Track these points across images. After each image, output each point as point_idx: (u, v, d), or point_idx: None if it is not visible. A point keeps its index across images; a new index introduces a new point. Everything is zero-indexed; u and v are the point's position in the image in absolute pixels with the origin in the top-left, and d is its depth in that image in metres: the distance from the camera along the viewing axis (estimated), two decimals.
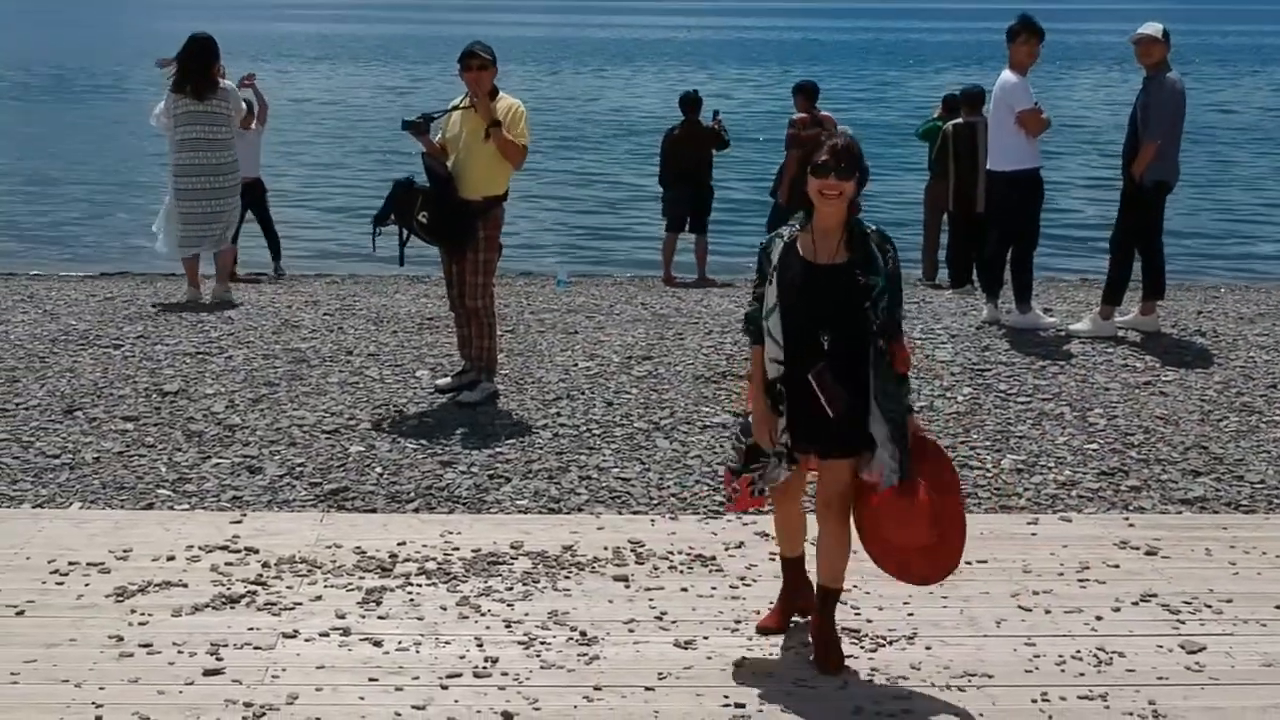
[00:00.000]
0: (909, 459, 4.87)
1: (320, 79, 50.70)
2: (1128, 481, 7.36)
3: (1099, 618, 5.56)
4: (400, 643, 5.25)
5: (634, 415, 8.28)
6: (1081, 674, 5.09)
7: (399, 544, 6.21)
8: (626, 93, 46.57)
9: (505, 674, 5.01)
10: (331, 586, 5.75)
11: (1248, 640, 5.41)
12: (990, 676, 5.05)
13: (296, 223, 19.27)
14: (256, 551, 6.09)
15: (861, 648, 5.28)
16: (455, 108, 8.54)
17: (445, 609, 5.56)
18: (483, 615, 5.51)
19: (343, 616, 5.46)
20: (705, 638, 5.34)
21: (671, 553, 6.16)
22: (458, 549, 6.17)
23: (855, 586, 5.76)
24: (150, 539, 6.22)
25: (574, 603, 5.64)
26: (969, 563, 6.08)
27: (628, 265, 16.64)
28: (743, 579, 5.90)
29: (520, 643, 5.26)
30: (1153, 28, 10.18)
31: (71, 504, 6.79)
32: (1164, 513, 6.95)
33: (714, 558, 6.11)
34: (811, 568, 5.31)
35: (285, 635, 5.29)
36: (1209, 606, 5.70)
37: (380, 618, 5.48)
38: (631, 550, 6.18)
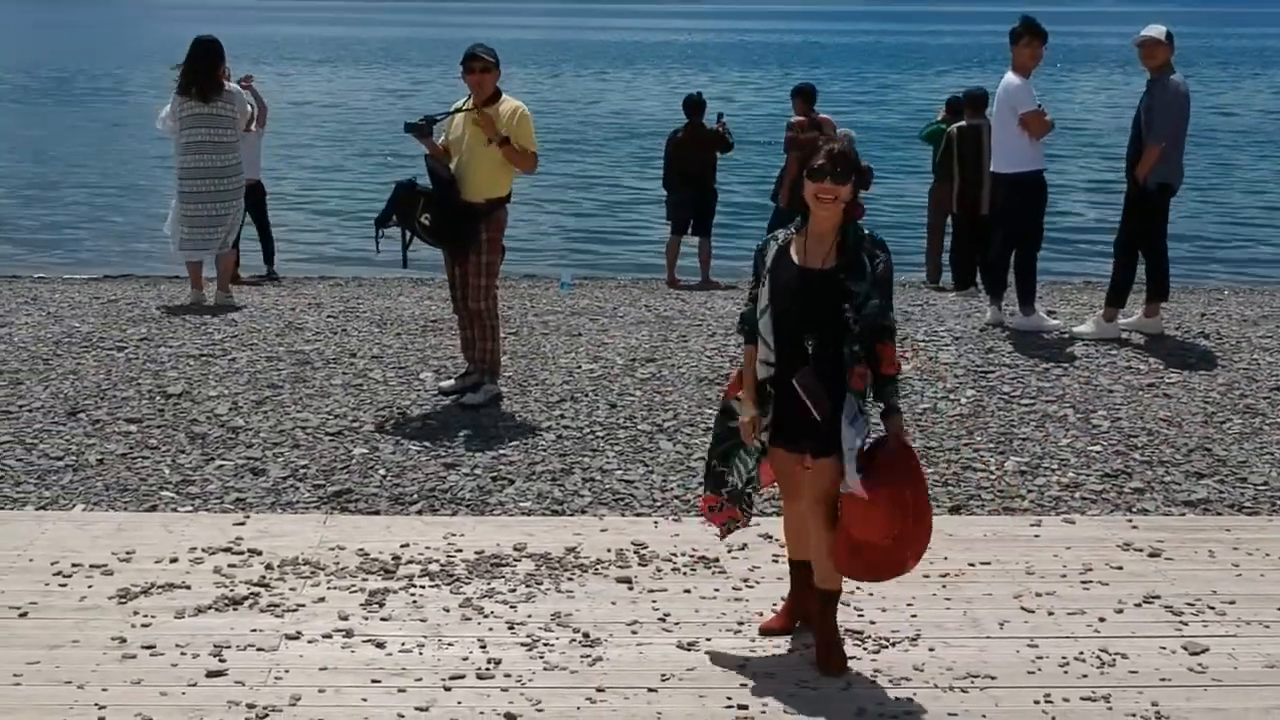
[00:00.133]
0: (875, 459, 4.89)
1: (321, 81, 50.76)
2: (1131, 483, 7.36)
3: (1102, 619, 5.56)
4: (403, 644, 5.25)
5: (637, 417, 8.28)
6: (1084, 675, 5.08)
7: (402, 546, 6.21)
8: (627, 95, 46.61)
9: (508, 675, 5.01)
10: (334, 588, 5.75)
11: (1250, 642, 5.40)
12: (993, 678, 5.05)
13: (299, 226, 19.31)
14: (260, 553, 6.09)
15: (864, 649, 5.28)
16: (458, 110, 8.54)
17: (448, 611, 5.56)
18: (486, 617, 5.51)
19: (346, 618, 5.46)
20: (708, 639, 5.34)
21: (674, 554, 6.15)
22: (461, 551, 6.17)
23: (858, 588, 5.76)
24: (153, 541, 6.22)
25: (577, 604, 5.64)
26: (972, 564, 6.09)
27: (631, 268, 16.65)
28: (746, 581, 5.90)
29: (523, 644, 5.26)
30: (1156, 30, 10.18)
31: (75, 506, 6.79)
32: (1167, 514, 6.95)
33: (717, 559, 6.11)
34: None
35: (288, 637, 5.29)
36: (1212, 608, 5.69)
37: (383, 619, 5.48)
38: (635, 552, 6.18)
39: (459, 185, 8.34)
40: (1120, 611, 5.64)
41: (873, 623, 5.50)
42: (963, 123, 13.08)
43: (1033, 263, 10.80)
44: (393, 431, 8.00)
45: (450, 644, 5.26)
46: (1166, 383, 9.21)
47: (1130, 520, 6.79)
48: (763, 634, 5.38)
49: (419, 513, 6.81)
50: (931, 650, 5.27)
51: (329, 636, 5.30)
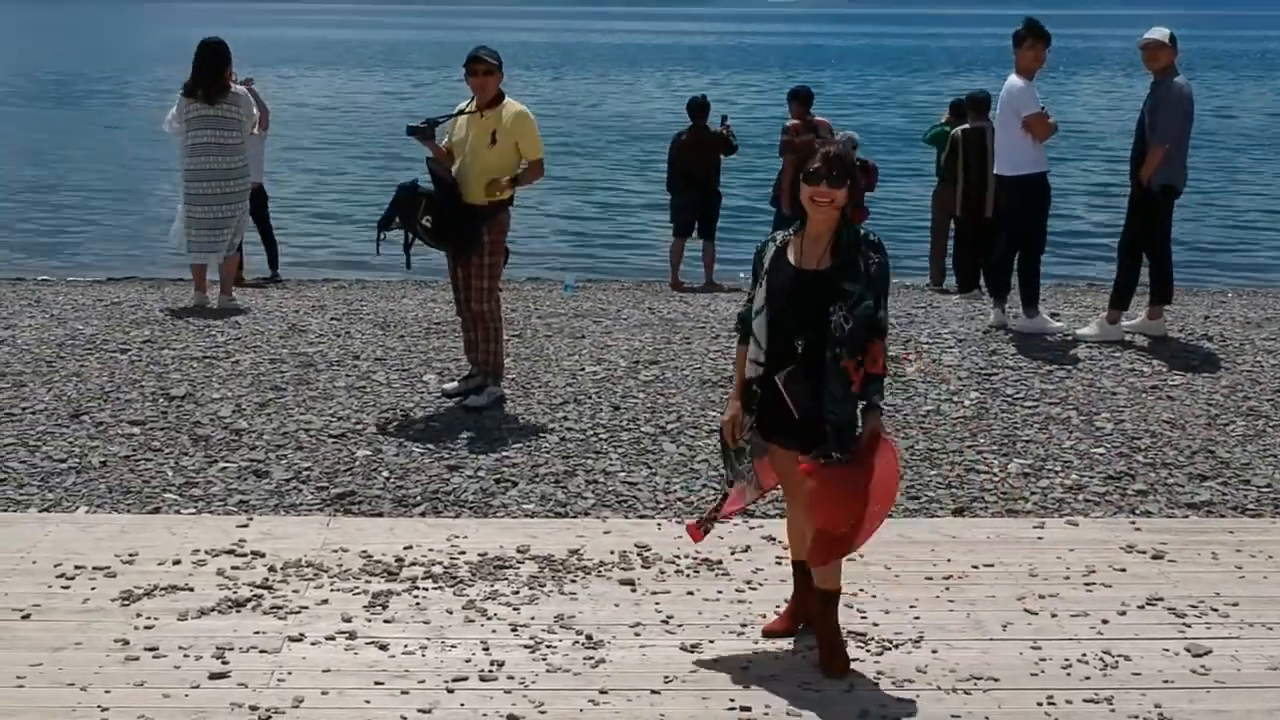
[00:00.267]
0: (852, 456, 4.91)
1: (322, 84, 50.80)
2: (1134, 485, 7.36)
3: (1105, 621, 5.56)
4: (406, 646, 5.25)
5: (641, 419, 8.28)
6: (1087, 677, 5.08)
7: (405, 548, 6.21)
8: (630, 98, 46.63)
9: (511, 677, 5.01)
10: (338, 590, 5.75)
11: (1254, 644, 5.40)
12: (996, 680, 5.05)
13: (302, 228, 19.32)
14: (263, 555, 6.09)
15: (867, 651, 5.27)
16: (460, 112, 8.55)
17: (451, 613, 5.56)
18: (489, 619, 5.51)
19: (349, 620, 5.46)
20: (711, 641, 5.34)
21: (678, 556, 6.15)
22: (464, 553, 6.17)
23: (861, 590, 5.77)
24: (156, 543, 6.22)
25: (580, 606, 5.64)
26: (975, 566, 6.09)
27: (635, 270, 16.66)
28: (749, 583, 5.90)
29: (526, 646, 5.26)
30: (1160, 33, 10.19)
31: (78, 508, 6.80)
32: (1170, 516, 6.95)
33: (720, 561, 6.11)
34: None
35: (291, 639, 5.29)
36: (1215, 610, 5.69)
37: (386, 621, 5.48)
38: (638, 554, 6.18)
39: (461, 187, 8.35)
40: (1123, 613, 5.64)
41: (876, 624, 5.50)
42: (966, 125, 13.08)
43: (1036, 265, 10.80)
44: (396, 434, 8.00)
45: (453, 646, 5.26)
46: (1170, 385, 9.20)
47: (1133, 522, 6.78)
48: (766, 636, 5.38)
49: (422, 515, 6.81)
50: (934, 652, 5.27)
51: (332, 638, 5.30)
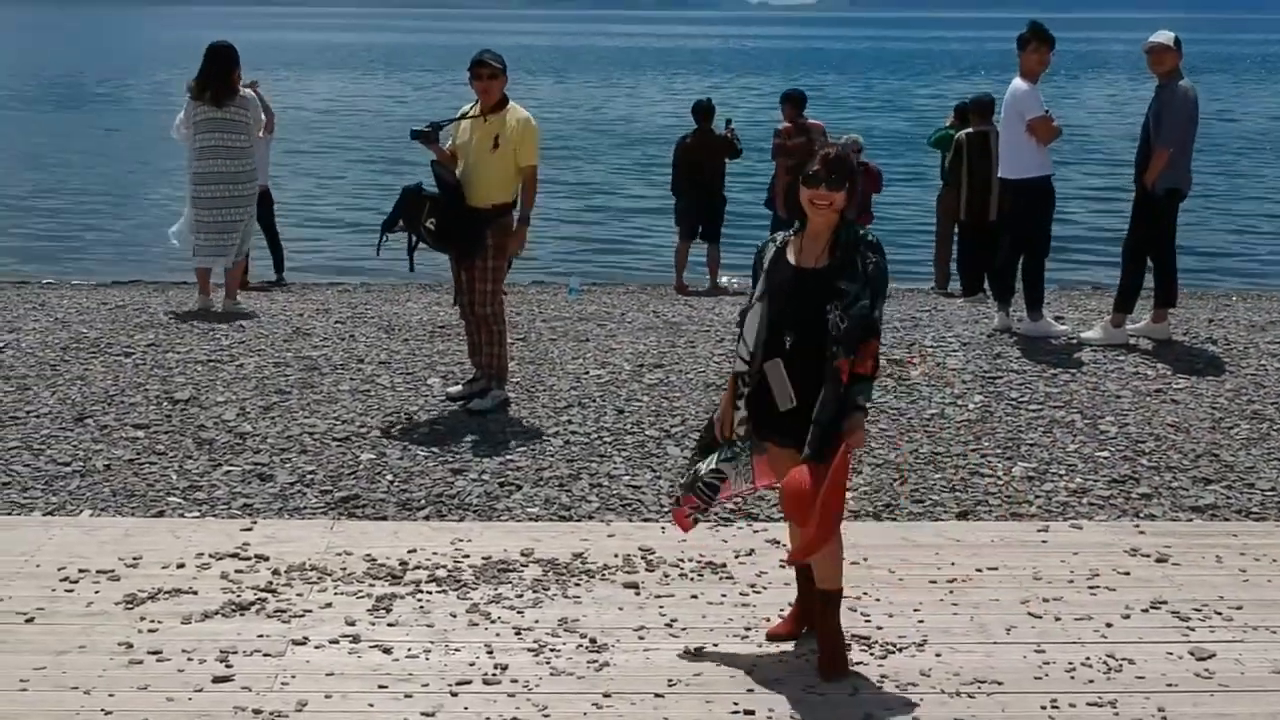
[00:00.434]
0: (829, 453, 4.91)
1: (324, 88, 50.84)
2: (1138, 489, 7.35)
3: (1109, 625, 5.55)
4: (410, 650, 5.25)
5: (645, 423, 8.28)
6: (1091, 681, 5.08)
7: (409, 551, 6.21)
8: (631, 102, 46.64)
9: (515, 681, 5.01)
10: (341, 594, 5.76)
11: (1257, 647, 5.40)
12: (1000, 683, 5.04)
13: (305, 231, 19.32)
14: (267, 559, 6.10)
15: (871, 654, 5.27)
16: (464, 115, 8.55)
17: (455, 616, 5.56)
18: (493, 622, 5.51)
19: (352, 624, 5.46)
20: (715, 644, 5.34)
21: (682, 560, 6.15)
22: (468, 556, 6.17)
23: (865, 594, 5.77)
24: (160, 546, 6.22)
25: (584, 610, 5.64)
26: (979, 570, 6.09)
27: (639, 274, 16.65)
28: (753, 586, 5.89)
29: (530, 650, 5.26)
30: (1165, 36, 10.18)
31: (82, 511, 6.80)
32: (1174, 520, 6.94)
33: (724, 565, 6.11)
34: None
35: (295, 642, 5.29)
36: (1219, 613, 5.69)
37: (390, 625, 5.48)
38: (642, 557, 6.18)
39: (465, 190, 8.35)
40: (1127, 617, 5.63)
41: (880, 628, 5.50)
42: (970, 129, 13.08)
43: (1041, 269, 10.79)
44: (400, 437, 8.00)
45: (457, 649, 5.26)
46: (1174, 388, 9.20)
47: (1137, 526, 6.78)
48: (770, 639, 5.38)
49: (426, 518, 6.81)
50: (938, 656, 5.27)
51: (336, 642, 5.30)
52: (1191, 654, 5.30)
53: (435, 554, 6.19)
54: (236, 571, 5.95)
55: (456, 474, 7.42)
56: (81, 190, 23.54)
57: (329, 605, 5.63)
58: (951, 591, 5.87)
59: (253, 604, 5.62)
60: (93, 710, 4.73)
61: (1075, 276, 15.83)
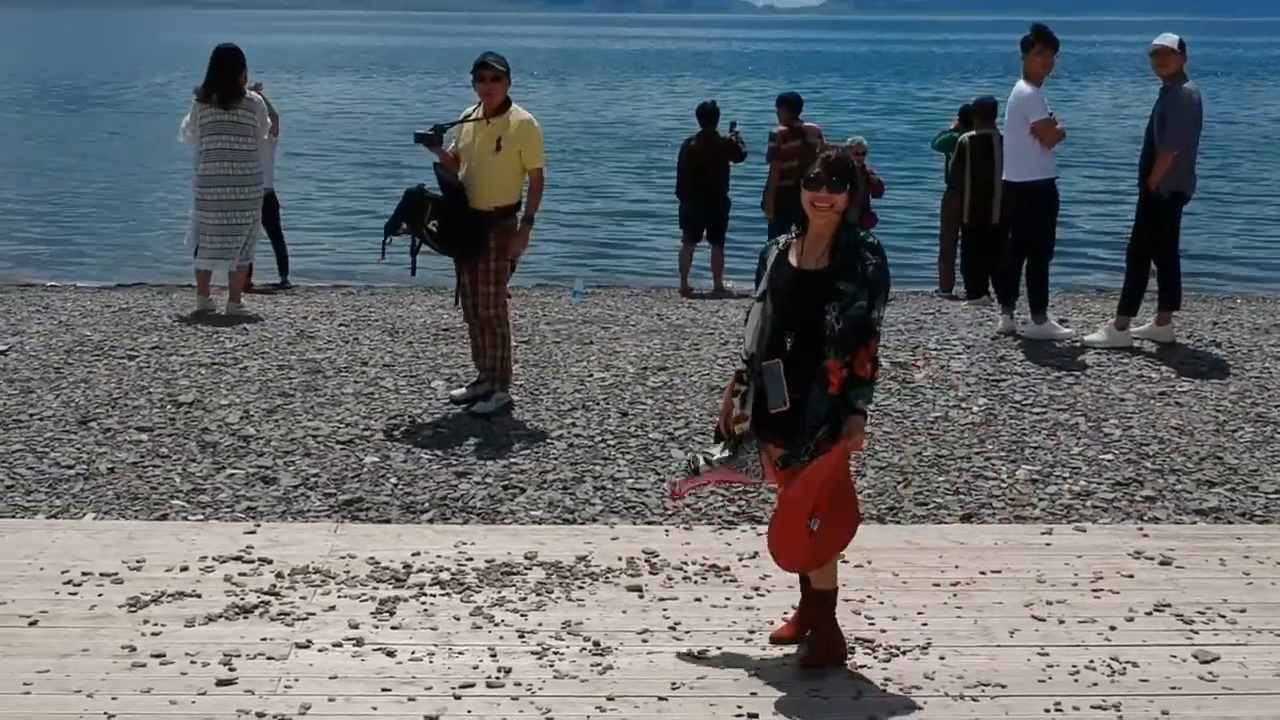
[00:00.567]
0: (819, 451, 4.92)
1: (326, 90, 50.87)
2: (1142, 492, 7.35)
3: (1113, 628, 5.55)
4: (413, 653, 5.25)
5: (649, 426, 8.28)
6: (1095, 684, 5.07)
7: (413, 554, 6.21)
8: (634, 104, 46.67)
9: (518, 684, 5.01)
10: (345, 597, 5.76)
11: (1261, 650, 5.39)
12: (1003, 686, 5.04)
13: (309, 234, 19.32)
14: (270, 562, 6.10)
15: (875, 657, 5.27)
16: (467, 118, 8.55)
17: (459, 619, 5.56)
18: (496, 625, 5.51)
19: (356, 627, 5.46)
20: (719, 648, 5.33)
21: (685, 563, 6.15)
22: (471, 559, 6.17)
23: (869, 597, 5.77)
24: (164, 549, 6.23)
25: (587, 613, 5.64)
26: (983, 573, 6.09)
27: (644, 276, 16.65)
28: (756, 589, 5.89)
29: (534, 653, 5.26)
30: (1169, 39, 10.17)
31: (85, 514, 6.80)
32: (1178, 523, 6.94)
33: (728, 568, 6.11)
34: None
35: (298, 645, 5.29)
36: (1223, 616, 5.68)
37: (394, 628, 5.48)
38: (645, 560, 6.18)
39: (468, 193, 8.35)
40: (1131, 620, 5.63)
41: (883, 631, 5.49)
42: (973, 132, 13.08)
43: (1045, 271, 10.78)
44: (404, 440, 8.00)
45: (461, 653, 5.26)
46: (1178, 391, 9.19)
47: (1141, 529, 6.77)
48: (773, 643, 5.38)
49: (430, 521, 6.81)
50: (942, 659, 5.26)
51: (339, 645, 5.30)
52: (1195, 657, 5.29)
53: (439, 557, 6.19)
54: (240, 574, 5.95)
55: (460, 477, 7.42)
56: (83, 193, 23.54)
57: (332, 608, 5.63)
58: (955, 594, 5.87)
59: (256, 607, 5.62)
60: (96, 714, 4.73)
61: (1079, 280, 15.82)
